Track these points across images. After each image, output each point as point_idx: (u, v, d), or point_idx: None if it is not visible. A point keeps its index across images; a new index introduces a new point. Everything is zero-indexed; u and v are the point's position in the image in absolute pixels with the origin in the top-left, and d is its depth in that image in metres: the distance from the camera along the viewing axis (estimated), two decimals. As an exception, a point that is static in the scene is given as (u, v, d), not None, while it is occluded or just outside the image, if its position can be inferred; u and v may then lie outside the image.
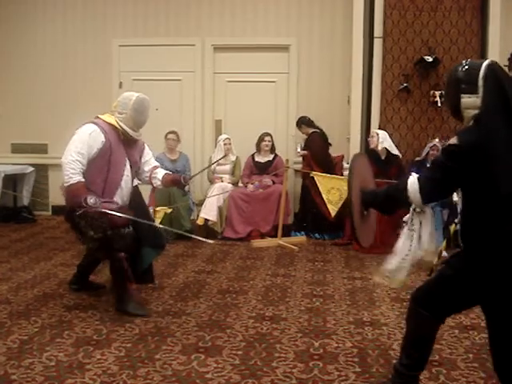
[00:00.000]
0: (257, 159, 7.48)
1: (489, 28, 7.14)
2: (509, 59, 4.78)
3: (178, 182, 4.59)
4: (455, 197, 6.44)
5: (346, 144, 7.55)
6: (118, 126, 4.22)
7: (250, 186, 7.25)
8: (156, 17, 8.23)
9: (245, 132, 7.87)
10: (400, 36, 7.28)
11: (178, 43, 8.17)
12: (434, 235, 2.69)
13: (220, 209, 7.10)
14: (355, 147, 7.42)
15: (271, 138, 7.48)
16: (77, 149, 4.03)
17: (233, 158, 7.49)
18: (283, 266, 5.78)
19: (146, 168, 4.56)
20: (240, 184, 7.49)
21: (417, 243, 2.65)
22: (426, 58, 7.11)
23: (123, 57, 8.35)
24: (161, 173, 4.56)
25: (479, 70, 2.48)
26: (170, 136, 7.46)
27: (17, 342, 3.62)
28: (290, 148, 8.06)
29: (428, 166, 6.64)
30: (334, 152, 7.47)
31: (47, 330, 3.85)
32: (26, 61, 8.45)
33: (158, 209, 6.09)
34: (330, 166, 7.30)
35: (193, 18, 8.18)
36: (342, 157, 7.51)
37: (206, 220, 7.06)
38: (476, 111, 2.46)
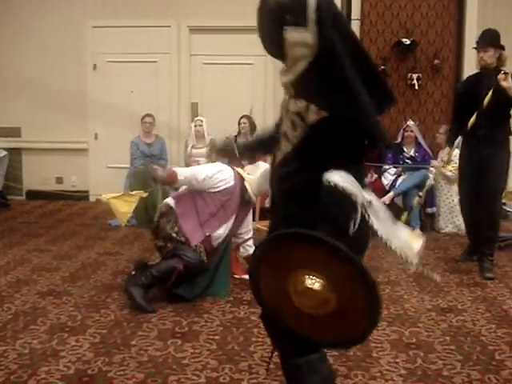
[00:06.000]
0: (238, 141, 7.41)
1: (466, 11, 7.14)
2: (477, 42, 4.77)
3: None
4: (431, 181, 6.55)
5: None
6: None
7: None
8: (131, -3, 8.09)
9: (222, 114, 7.80)
10: (378, 18, 7.24)
11: (154, 24, 8.04)
12: None
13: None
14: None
15: (247, 120, 7.39)
16: None
17: (208, 141, 7.41)
18: (261, 249, 5.74)
19: None
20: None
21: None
22: (404, 40, 7.08)
23: (97, 38, 8.19)
24: None
25: None
26: (147, 119, 7.37)
27: (-11, 329, 3.56)
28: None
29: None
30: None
31: (21, 317, 3.78)
32: (-4, 43, 8.28)
33: (133, 193, 6.00)
34: None
35: (168, -2, 8.05)
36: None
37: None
38: (305, 49, 1.91)
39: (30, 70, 8.20)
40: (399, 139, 6.82)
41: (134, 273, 4.15)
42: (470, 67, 6.92)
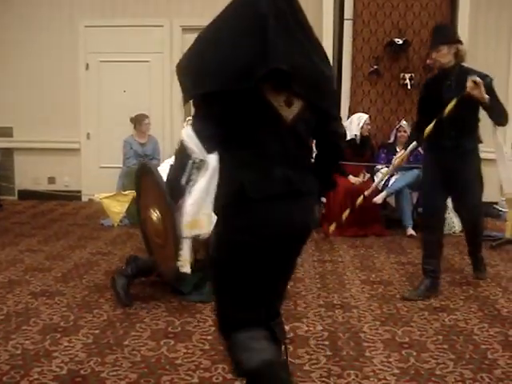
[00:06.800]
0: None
1: (458, 11, 7.16)
2: (433, 30, 4.51)
3: None
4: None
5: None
6: None
7: None
8: (123, -3, 8.07)
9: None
10: (370, 18, 7.24)
11: (146, 24, 8.02)
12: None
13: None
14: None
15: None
16: None
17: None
18: (254, 249, 5.74)
19: None
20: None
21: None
22: (396, 40, 7.09)
23: (90, 38, 8.15)
24: None
25: None
26: (147, 121, 7.34)
27: (-19, 330, 3.54)
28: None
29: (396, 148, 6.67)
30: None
31: (13, 318, 3.76)
32: (-12, 41, 8.24)
33: (126, 193, 5.98)
34: None
35: (161, -2, 8.04)
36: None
37: (176, 204, 6.97)
38: None
39: (22, 69, 8.16)
40: (392, 139, 6.83)
41: (124, 267, 4.27)
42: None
